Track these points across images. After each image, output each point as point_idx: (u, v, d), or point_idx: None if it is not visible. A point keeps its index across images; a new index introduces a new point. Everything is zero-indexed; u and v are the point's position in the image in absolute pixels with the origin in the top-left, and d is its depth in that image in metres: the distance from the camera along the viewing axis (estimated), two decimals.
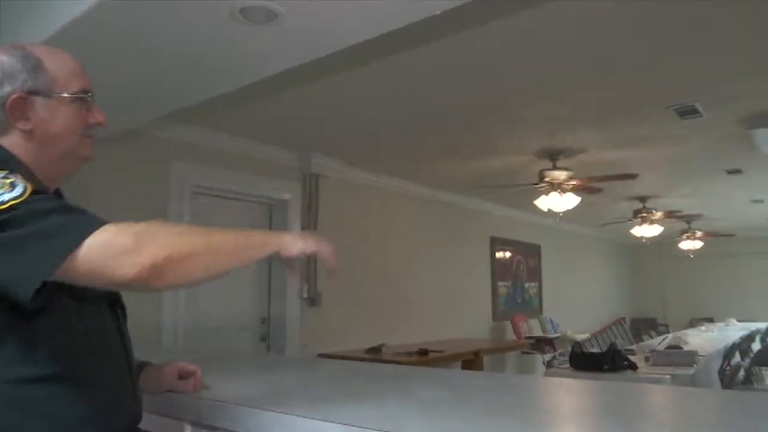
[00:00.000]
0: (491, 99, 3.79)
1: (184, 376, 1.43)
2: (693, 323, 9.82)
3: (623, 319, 11.85)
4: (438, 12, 1.81)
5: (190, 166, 4.21)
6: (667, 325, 11.60)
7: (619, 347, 4.19)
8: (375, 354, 4.75)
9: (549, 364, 4.58)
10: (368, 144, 4.79)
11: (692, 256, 9.94)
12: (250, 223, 4.74)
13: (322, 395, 1.48)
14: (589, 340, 10.06)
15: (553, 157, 4.95)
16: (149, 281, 0.90)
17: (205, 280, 0.99)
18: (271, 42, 2.03)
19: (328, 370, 2.11)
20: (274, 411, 1.23)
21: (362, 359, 4.47)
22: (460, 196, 7.01)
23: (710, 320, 10.24)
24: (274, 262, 1.28)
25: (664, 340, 5.96)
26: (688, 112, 4.01)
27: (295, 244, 1.09)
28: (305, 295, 4.87)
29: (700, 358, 4.64)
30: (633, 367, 4.05)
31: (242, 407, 1.29)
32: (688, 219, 9.01)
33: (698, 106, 3.94)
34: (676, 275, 12.12)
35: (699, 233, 9.35)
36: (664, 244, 10.94)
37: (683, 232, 9.31)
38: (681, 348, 4.75)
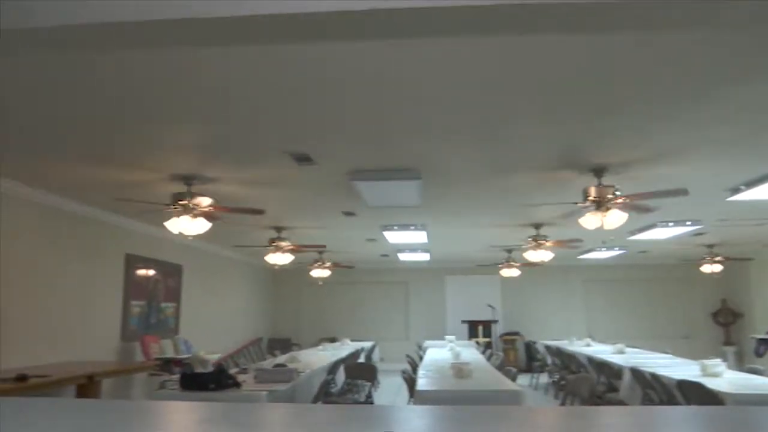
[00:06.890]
0: (135, 117, 3.73)
1: None
2: (320, 342, 10.96)
3: (260, 339, 12.63)
4: None
5: None
6: (299, 345, 12.77)
7: (225, 366, 4.49)
8: None
9: (162, 385, 4.63)
10: None
11: (321, 283, 11.19)
12: None
13: None
14: (225, 359, 10.43)
15: (188, 181, 5.09)
16: None
17: None
18: None
19: None
20: None
21: None
22: (94, 209, 6.59)
23: (333, 340, 11.63)
24: None
25: (277, 358, 6.58)
26: (302, 159, 4.61)
27: None
28: None
29: (301, 374, 5.29)
30: (237, 385, 4.40)
31: None
32: (320, 250, 10.17)
33: (312, 156, 4.57)
34: (310, 299, 13.48)
35: (328, 263, 10.60)
36: (302, 270, 12.09)
37: (315, 261, 10.44)
38: (286, 366, 5.31)
